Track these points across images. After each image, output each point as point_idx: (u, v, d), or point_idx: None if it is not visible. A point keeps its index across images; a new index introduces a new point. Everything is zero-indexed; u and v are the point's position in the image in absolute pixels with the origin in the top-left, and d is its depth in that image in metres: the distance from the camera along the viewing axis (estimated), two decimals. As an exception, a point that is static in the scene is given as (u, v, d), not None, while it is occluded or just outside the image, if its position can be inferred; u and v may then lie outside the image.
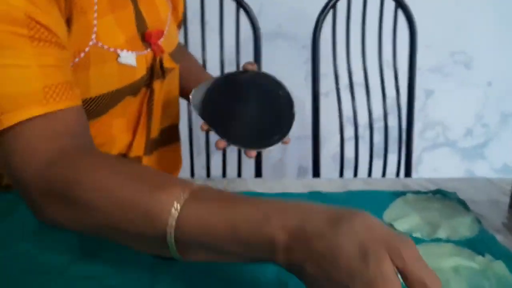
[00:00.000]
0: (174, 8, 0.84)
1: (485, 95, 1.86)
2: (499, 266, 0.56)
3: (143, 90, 0.75)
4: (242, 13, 1.40)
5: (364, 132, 1.58)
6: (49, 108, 0.53)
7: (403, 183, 0.79)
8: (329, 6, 1.39)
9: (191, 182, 0.48)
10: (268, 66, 1.56)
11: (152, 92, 0.76)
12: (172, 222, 0.45)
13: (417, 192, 0.74)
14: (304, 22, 1.53)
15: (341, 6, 1.40)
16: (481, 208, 0.71)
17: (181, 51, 0.96)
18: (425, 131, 1.90)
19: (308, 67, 1.49)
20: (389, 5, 1.41)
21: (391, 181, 0.83)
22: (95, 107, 0.67)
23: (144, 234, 0.47)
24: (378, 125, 1.53)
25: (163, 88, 0.79)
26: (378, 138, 1.56)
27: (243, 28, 1.42)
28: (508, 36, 1.79)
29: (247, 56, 1.44)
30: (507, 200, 0.71)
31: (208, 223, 0.45)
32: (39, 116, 0.52)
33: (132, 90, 0.72)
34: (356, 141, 1.47)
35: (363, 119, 1.49)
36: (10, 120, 0.51)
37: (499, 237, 0.64)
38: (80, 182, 0.49)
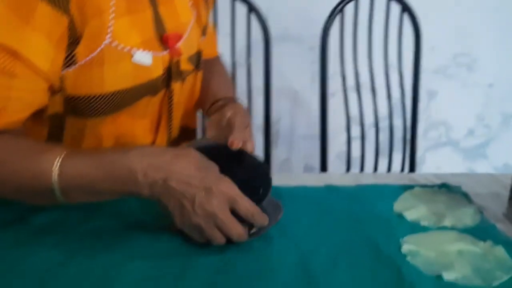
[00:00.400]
0: (198, 14, 0.86)
1: (487, 97, 1.92)
2: (499, 251, 0.62)
3: (163, 91, 0.79)
4: (253, 17, 1.45)
5: (369, 131, 1.63)
6: None
7: (410, 177, 0.85)
8: (337, 10, 1.45)
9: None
10: (277, 68, 1.61)
11: (171, 93, 0.80)
12: (55, 176, 0.59)
13: (424, 186, 0.80)
14: (311, 25, 1.57)
15: (349, 10, 1.46)
16: (483, 200, 0.77)
17: (211, 61, 1.00)
18: (428, 131, 1.96)
19: (315, 68, 1.54)
20: (395, 9, 1.46)
21: (399, 175, 0.89)
22: (111, 102, 0.71)
23: (36, 190, 0.61)
24: (383, 125, 1.58)
25: (183, 90, 0.83)
26: (383, 137, 1.61)
27: (253, 31, 1.47)
28: (509, 40, 1.85)
29: (257, 58, 1.49)
30: (507, 193, 0.77)
31: (82, 169, 0.60)
32: None
33: (149, 89, 0.75)
34: (362, 140, 1.53)
35: (369, 119, 1.54)
36: None
37: (500, 226, 0.69)
38: None
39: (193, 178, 0.60)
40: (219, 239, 0.60)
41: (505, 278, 0.57)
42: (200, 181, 0.60)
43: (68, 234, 0.64)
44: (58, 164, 0.59)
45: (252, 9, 1.45)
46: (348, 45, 1.49)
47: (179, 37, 0.78)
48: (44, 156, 0.61)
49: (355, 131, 1.58)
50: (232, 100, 0.85)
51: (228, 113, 0.78)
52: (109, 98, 0.71)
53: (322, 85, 1.50)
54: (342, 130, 1.55)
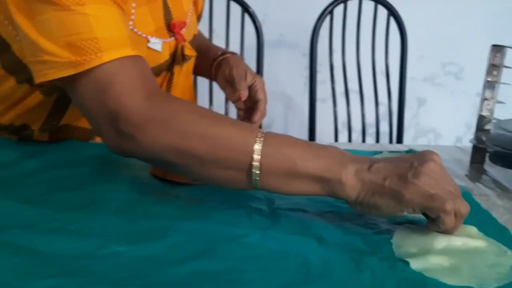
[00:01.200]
0: (195, 2, 0.93)
1: (474, 105, 1.97)
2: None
3: (164, 72, 0.85)
4: (247, 22, 1.51)
5: (358, 137, 1.67)
6: (137, 53, 0.61)
7: (381, 146, 0.90)
8: (326, 13, 1.52)
9: None
10: (270, 74, 1.67)
11: (172, 75, 0.86)
12: (258, 143, 0.54)
13: (392, 151, 0.85)
14: (305, 32, 1.65)
15: (337, 15, 1.53)
16: (446, 164, 0.80)
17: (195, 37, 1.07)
18: (417, 138, 2.01)
19: (308, 74, 1.59)
20: (382, 13, 1.53)
21: (372, 145, 0.94)
22: None
23: (230, 163, 0.55)
24: (372, 131, 1.63)
25: (181, 72, 0.89)
26: (371, 142, 1.67)
27: (247, 36, 1.54)
28: (495, 50, 1.91)
29: (251, 62, 1.55)
30: (469, 159, 0.82)
31: (286, 141, 0.56)
32: (131, 57, 0.60)
33: (155, 72, 0.81)
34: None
35: (357, 125, 1.59)
36: (110, 56, 0.58)
37: (460, 183, 0.74)
38: (179, 112, 0.57)
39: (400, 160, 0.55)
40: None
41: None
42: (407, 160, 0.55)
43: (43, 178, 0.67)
44: (263, 135, 0.55)
45: (246, 10, 1.52)
46: (338, 50, 1.55)
47: (183, 25, 0.84)
48: (245, 129, 0.56)
49: (343, 137, 1.63)
50: (225, 53, 0.92)
51: (226, 70, 0.86)
52: None
53: (311, 91, 1.56)
54: (332, 135, 1.59)
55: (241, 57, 0.93)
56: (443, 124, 1.99)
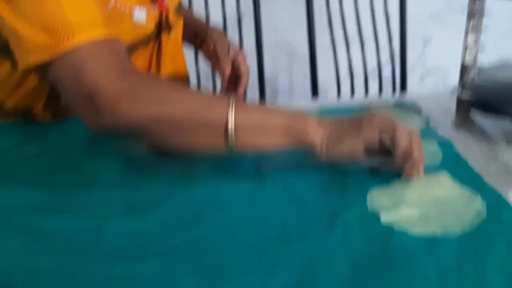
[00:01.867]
0: None
1: (482, 40, 1.92)
2: (432, 144, 0.69)
3: (152, 42, 0.86)
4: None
5: (361, 84, 1.65)
6: (110, 34, 0.63)
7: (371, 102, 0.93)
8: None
9: None
10: (271, 26, 1.65)
11: (160, 44, 0.87)
12: (231, 106, 0.59)
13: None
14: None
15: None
16: (435, 114, 0.83)
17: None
18: (424, 79, 1.99)
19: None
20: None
21: (363, 101, 0.96)
22: None
23: (207, 124, 0.60)
24: (376, 76, 1.61)
25: (169, 41, 0.91)
26: (374, 89, 1.64)
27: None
28: (500, -20, 1.85)
29: (248, 12, 1.53)
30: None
31: (256, 106, 0.63)
32: (105, 39, 0.63)
33: (143, 42, 0.84)
34: (352, 93, 1.57)
35: (361, 72, 1.58)
36: (82, 39, 0.60)
37: (444, 132, 0.76)
38: (153, 85, 0.61)
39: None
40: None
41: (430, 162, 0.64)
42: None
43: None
44: (233, 102, 0.60)
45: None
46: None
47: None
48: (216, 97, 0.65)
49: (346, 86, 1.61)
50: (208, 29, 0.98)
51: (210, 45, 0.93)
52: None
53: (310, 40, 1.53)
54: (334, 84, 1.58)
55: (223, 32, 0.99)
56: (450, 62, 1.94)
